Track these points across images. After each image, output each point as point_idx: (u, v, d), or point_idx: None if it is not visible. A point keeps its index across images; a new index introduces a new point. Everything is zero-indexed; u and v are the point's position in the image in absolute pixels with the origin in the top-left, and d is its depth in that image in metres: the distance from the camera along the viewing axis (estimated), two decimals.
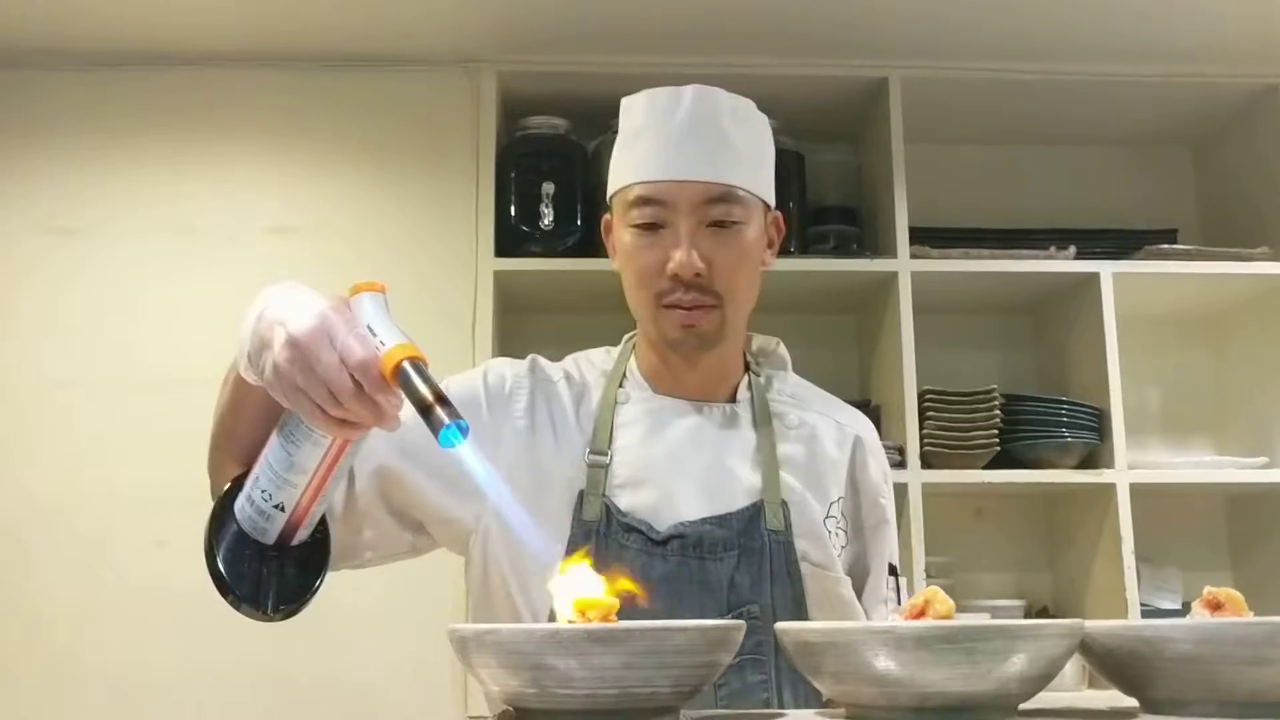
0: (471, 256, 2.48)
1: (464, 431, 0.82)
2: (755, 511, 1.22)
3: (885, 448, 2.38)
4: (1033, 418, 2.51)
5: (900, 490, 2.41)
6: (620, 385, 1.30)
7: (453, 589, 2.15)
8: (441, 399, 0.83)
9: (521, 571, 1.19)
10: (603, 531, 1.19)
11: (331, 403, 0.87)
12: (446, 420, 0.82)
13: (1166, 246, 2.60)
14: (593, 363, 1.35)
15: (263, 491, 0.97)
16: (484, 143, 2.55)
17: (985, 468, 2.48)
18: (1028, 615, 2.56)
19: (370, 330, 0.88)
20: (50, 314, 2.53)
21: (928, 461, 2.44)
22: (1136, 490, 2.43)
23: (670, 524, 1.19)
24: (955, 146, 2.87)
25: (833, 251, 2.59)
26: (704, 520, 1.20)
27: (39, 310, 2.54)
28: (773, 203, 1.31)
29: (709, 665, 0.78)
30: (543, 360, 1.32)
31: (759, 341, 1.42)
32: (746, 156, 1.27)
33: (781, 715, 0.81)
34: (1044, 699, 0.80)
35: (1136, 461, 2.50)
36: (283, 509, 0.98)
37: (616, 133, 1.31)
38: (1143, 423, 2.73)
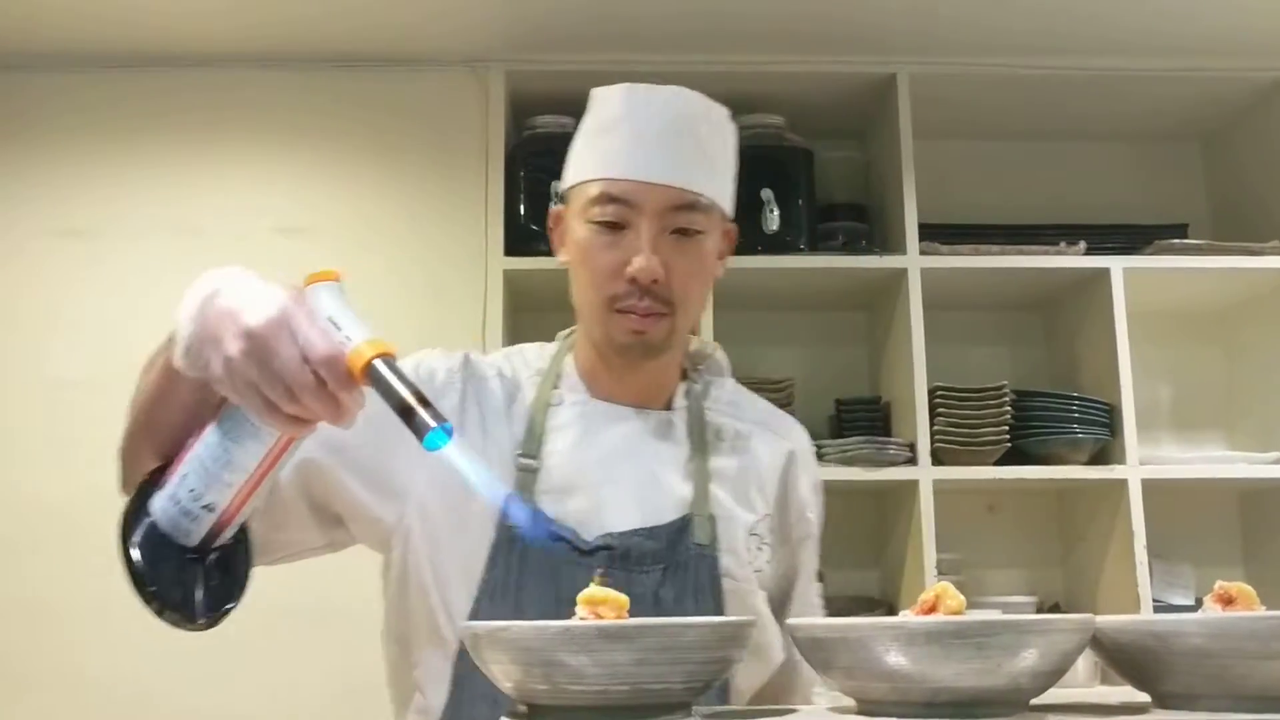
0: (481, 256, 2.48)
1: (449, 433, 0.79)
2: (684, 524, 1.20)
3: (896, 443, 2.41)
4: (1043, 414, 2.50)
5: (911, 487, 2.42)
6: (555, 386, 1.26)
7: None
8: (423, 400, 0.80)
9: (443, 573, 1.16)
10: (527, 540, 1.16)
11: (288, 399, 0.83)
12: (432, 424, 0.79)
13: (1177, 241, 2.59)
14: (527, 360, 1.30)
15: (191, 490, 0.91)
16: (493, 142, 2.55)
17: (996, 464, 2.48)
18: (1039, 611, 2.56)
19: (333, 323, 0.84)
20: (57, 315, 2.54)
21: (938, 458, 2.44)
22: (1148, 486, 2.43)
23: (598, 534, 1.16)
24: (964, 142, 2.87)
25: (842, 248, 2.59)
26: (633, 532, 1.17)
27: (46, 311, 2.55)
28: (731, 215, 1.28)
29: (721, 661, 0.79)
30: (475, 356, 1.27)
31: (696, 345, 1.38)
32: (717, 166, 1.24)
33: (793, 711, 0.82)
34: (1055, 694, 0.80)
35: (1148, 457, 2.49)
36: (212, 509, 0.92)
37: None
38: (1154, 418, 2.73)
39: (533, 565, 1.14)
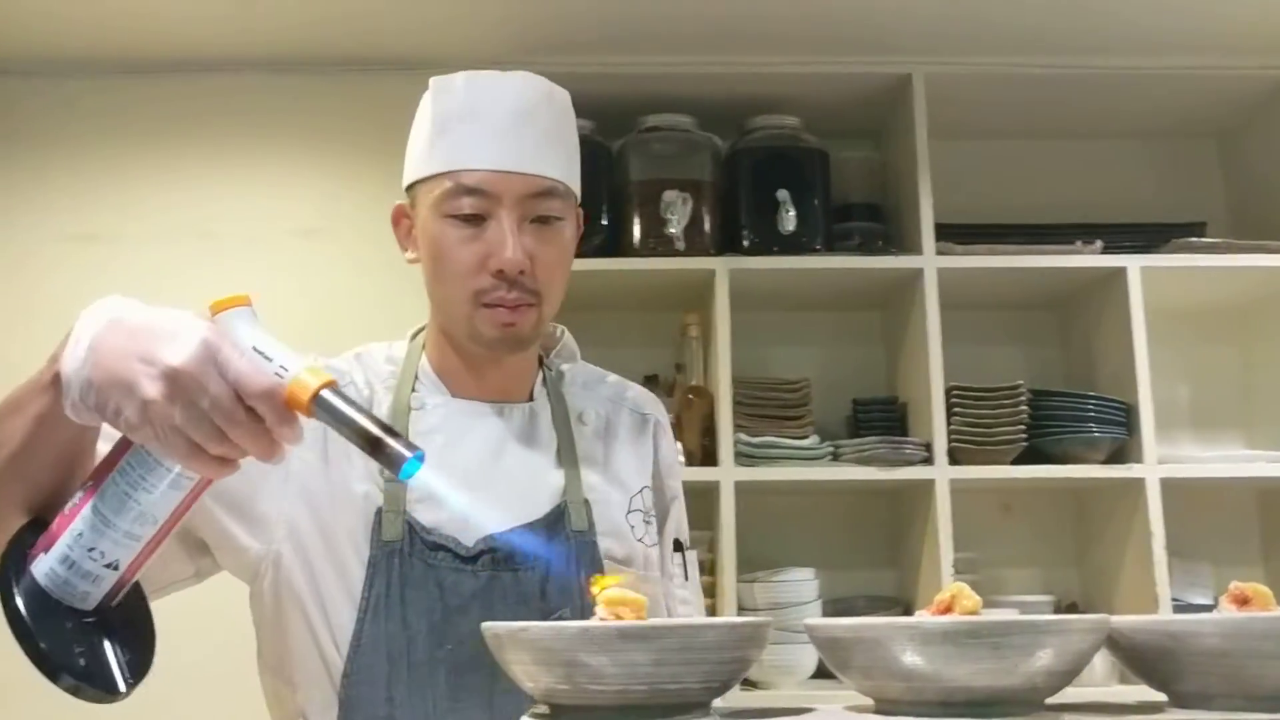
0: None
1: (421, 460, 0.77)
2: (559, 514, 1.19)
3: (912, 443, 2.42)
4: (1060, 413, 2.50)
5: (927, 486, 2.42)
6: (413, 390, 1.22)
7: None
8: (387, 429, 0.77)
9: (323, 595, 1.13)
10: (406, 551, 1.13)
11: (216, 439, 0.76)
12: (407, 454, 0.76)
13: (1194, 240, 2.58)
14: (376, 364, 1.25)
15: (90, 549, 0.81)
16: None
17: (1012, 463, 2.47)
18: (1056, 611, 2.56)
19: (259, 352, 0.78)
20: (73, 318, 2.56)
21: (954, 457, 2.44)
22: (1167, 485, 2.42)
23: (477, 537, 1.14)
24: (980, 142, 2.87)
25: (858, 249, 2.59)
26: (510, 531, 1.16)
27: (62, 314, 2.55)
28: (579, 198, 1.25)
29: (738, 661, 0.80)
30: (322, 361, 1.18)
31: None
32: (567, 150, 1.21)
33: (811, 711, 0.82)
34: (1071, 693, 0.81)
35: (1166, 456, 2.49)
36: (116, 567, 0.82)
37: (430, 116, 1.20)
38: (1172, 417, 2.72)
39: (415, 578, 1.12)
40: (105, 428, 0.88)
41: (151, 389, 0.76)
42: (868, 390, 2.70)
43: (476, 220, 1.15)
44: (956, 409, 2.46)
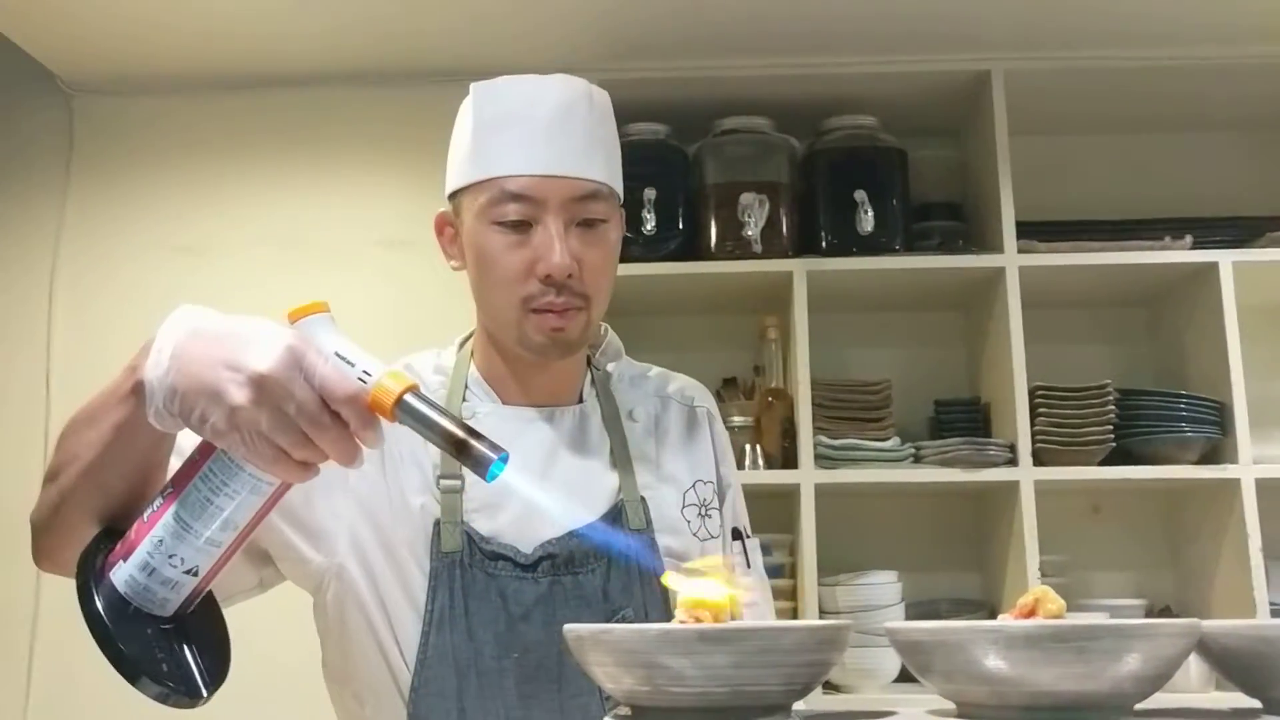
0: None
1: (506, 461, 0.77)
2: (616, 514, 1.19)
3: (996, 444, 2.38)
4: (1150, 413, 2.45)
5: (1012, 488, 2.38)
6: (464, 399, 1.22)
7: None
8: (472, 431, 0.77)
9: (389, 607, 1.13)
10: (466, 562, 1.13)
11: (300, 444, 0.77)
12: (493, 456, 0.76)
13: None
14: (423, 373, 1.24)
15: (171, 556, 0.82)
16: None
17: (1100, 464, 2.43)
18: (1149, 615, 2.50)
19: (342, 358, 0.79)
20: None
21: (1039, 458, 2.40)
22: (1262, 486, 2.35)
23: (536, 544, 1.14)
24: (1062, 137, 2.82)
25: (938, 248, 2.57)
26: (569, 535, 1.15)
27: (156, 324, 2.65)
28: (622, 199, 1.24)
29: (819, 664, 0.79)
30: None
31: None
32: (609, 152, 1.20)
33: (892, 714, 0.82)
34: (1161, 699, 0.79)
35: (1262, 456, 2.41)
36: (196, 574, 0.83)
37: (475, 123, 1.21)
38: (1267, 416, 2.63)
39: (477, 589, 1.12)
40: (179, 443, 0.90)
41: (239, 395, 0.76)
42: (949, 391, 2.66)
43: (522, 226, 1.15)
44: (1041, 409, 2.42)
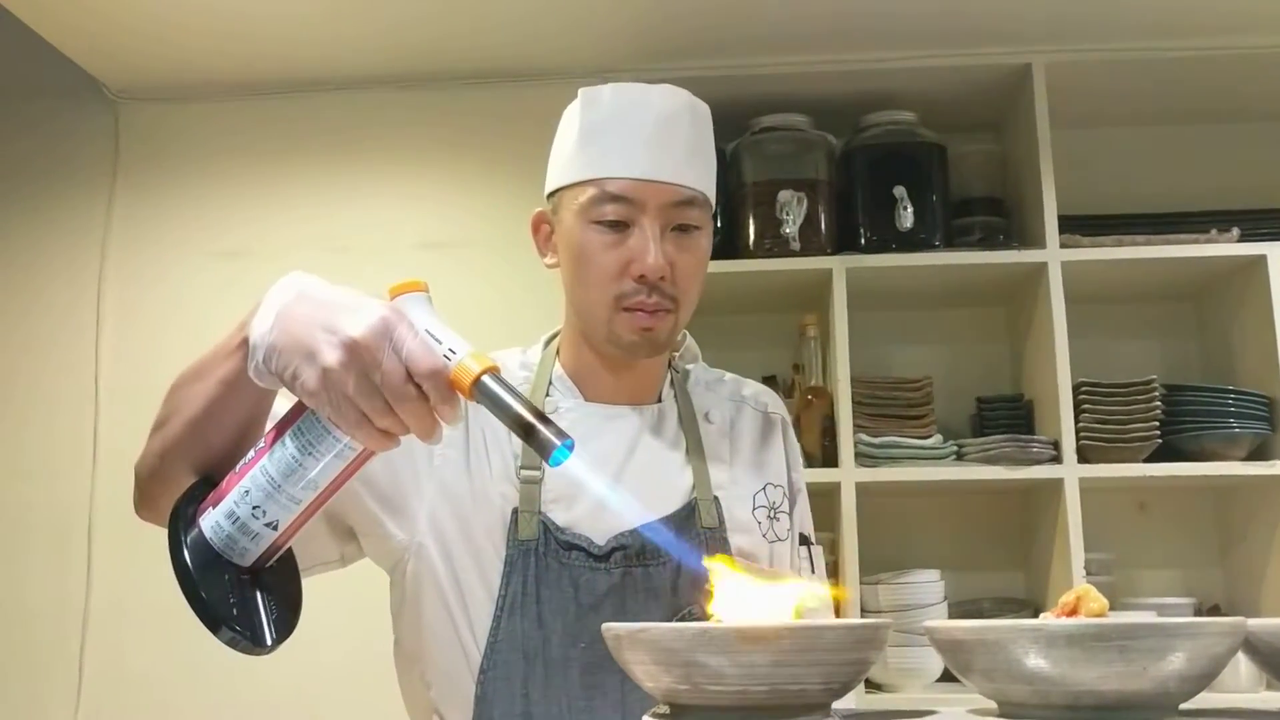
0: None
1: (571, 448, 0.79)
2: (690, 511, 1.22)
3: (1039, 441, 2.36)
4: (1197, 408, 2.41)
5: (1056, 485, 2.36)
6: (547, 394, 1.25)
7: None
8: (542, 416, 0.80)
9: (463, 589, 1.17)
10: (540, 550, 1.16)
11: (384, 413, 0.80)
12: (558, 441, 0.79)
13: None
14: (509, 368, 1.26)
15: (254, 508, 0.85)
16: None
17: (1146, 461, 2.39)
18: (1198, 613, 2.46)
19: (430, 335, 0.82)
20: (208, 330, 2.66)
21: (1084, 455, 2.37)
22: None
23: (610, 535, 1.17)
24: (1105, 130, 2.78)
25: (979, 243, 2.54)
26: (648, 524, 1.17)
27: (197, 327, 2.67)
28: (715, 209, 1.28)
29: (858, 663, 0.79)
30: None
31: None
32: (707, 162, 1.24)
33: (933, 714, 0.82)
34: (1208, 699, 0.78)
35: None
36: (275, 527, 0.87)
37: (574, 124, 1.25)
38: None
39: (550, 577, 1.16)
40: (275, 407, 0.94)
41: (331, 356, 0.80)
42: (992, 388, 2.64)
43: (620, 226, 1.19)
44: (1086, 406, 2.39)
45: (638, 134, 1.20)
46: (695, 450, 1.26)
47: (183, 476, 0.93)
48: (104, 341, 2.70)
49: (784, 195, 2.47)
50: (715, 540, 1.21)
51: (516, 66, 2.69)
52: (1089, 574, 2.30)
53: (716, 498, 1.24)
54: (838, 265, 2.44)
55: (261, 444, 0.87)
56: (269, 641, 0.87)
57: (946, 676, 2.32)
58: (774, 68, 2.56)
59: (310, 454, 0.84)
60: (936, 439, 2.43)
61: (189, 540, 0.87)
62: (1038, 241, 2.48)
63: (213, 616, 0.84)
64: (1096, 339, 2.55)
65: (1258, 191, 2.68)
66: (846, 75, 2.57)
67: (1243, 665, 2.08)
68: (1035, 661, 0.72)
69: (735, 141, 2.59)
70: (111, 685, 2.55)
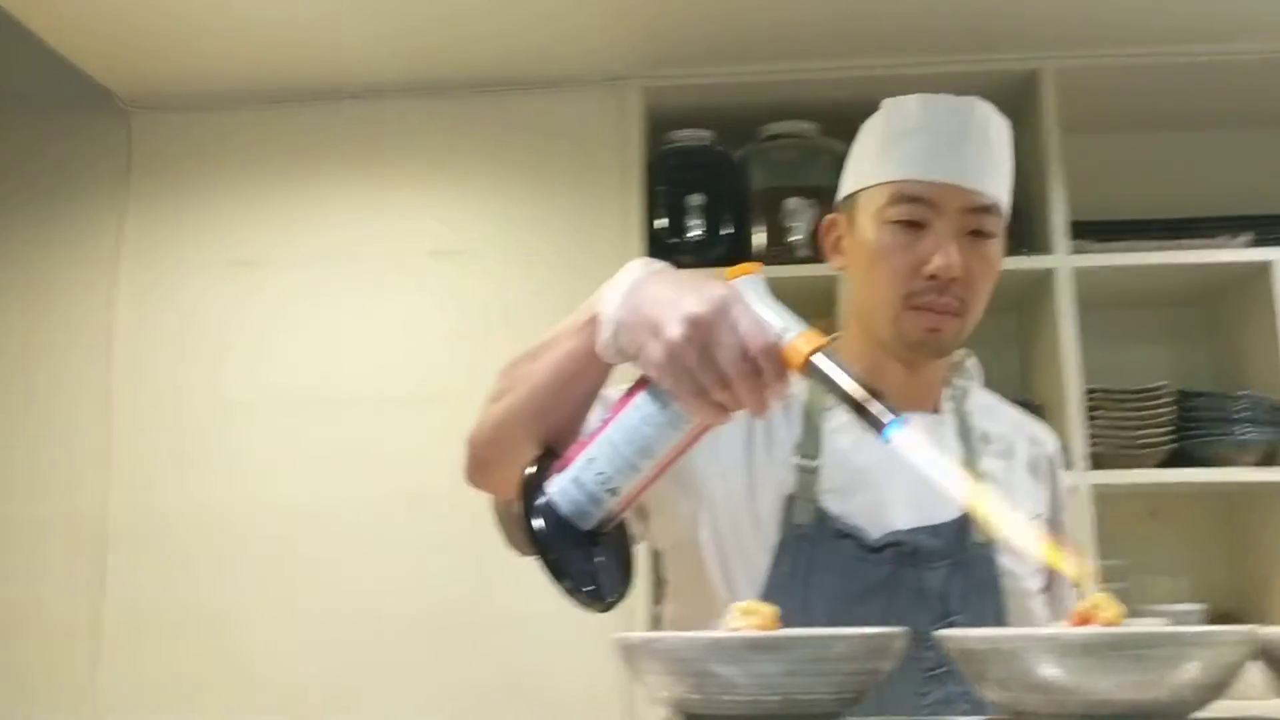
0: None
1: (903, 423, 0.82)
2: (965, 523, 1.20)
3: None
4: (1208, 414, 2.40)
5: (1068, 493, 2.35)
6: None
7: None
8: (874, 392, 0.84)
9: (728, 571, 1.18)
10: (814, 536, 1.17)
11: (720, 387, 0.85)
12: (890, 417, 0.83)
13: None
14: None
15: (599, 474, 0.92)
16: (631, 158, 2.59)
17: (1158, 467, 2.39)
18: (1210, 620, 2.45)
19: (765, 315, 0.87)
20: (226, 340, 2.68)
21: (1096, 462, 2.37)
22: None
23: (883, 531, 1.18)
24: (1114, 135, 2.78)
25: None
26: (917, 529, 1.18)
27: (216, 336, 2.69)
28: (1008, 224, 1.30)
29: (870, 672, 0.79)
30: None
31: None
32: (1004, 172, 1.26)
33: None
34: (1222, 707, 0.78)
35: None
36: (616, 494, 0.92)
37: (865, 132, 1.30)
38: None
39: (820, 563, 1.16)
40: (604, 395, 1.01)
41: (675, 330, 0.85)
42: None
43: (915, 227, 1.21)
44: (1097, 412, 2.38)
45: (938, 140, 1.23)
46: (970, 465, 1.25)
47: (522, 445, 0.99)
48: (118, 353, 2.71)
49: (791, 203, 2.47)
50: (985, 558, 1.20)
51: (528, 74, 2.69)
52: (1108, 582, 2.29)
53: None
54: None
55: (608, 414, 0.94)
56: (607, 599, 0.93)
57: None
58: (782, 75, 2.56)
59: (650, 423, 0.90)
60: None
61: (538, 503, 0.93)
62: (1048, 247, 2.47)
63: (561, 572, 0.91)
64: (1106, 344, 2.54)
65: (1269, 197, 2.67)
66: (854, 82, 2.57)
67: (1257, 672, 2.07)
68: (1050, 671, 0.72)
69: (742, 149, 2.60)
70: (126, 696, 2.55)
